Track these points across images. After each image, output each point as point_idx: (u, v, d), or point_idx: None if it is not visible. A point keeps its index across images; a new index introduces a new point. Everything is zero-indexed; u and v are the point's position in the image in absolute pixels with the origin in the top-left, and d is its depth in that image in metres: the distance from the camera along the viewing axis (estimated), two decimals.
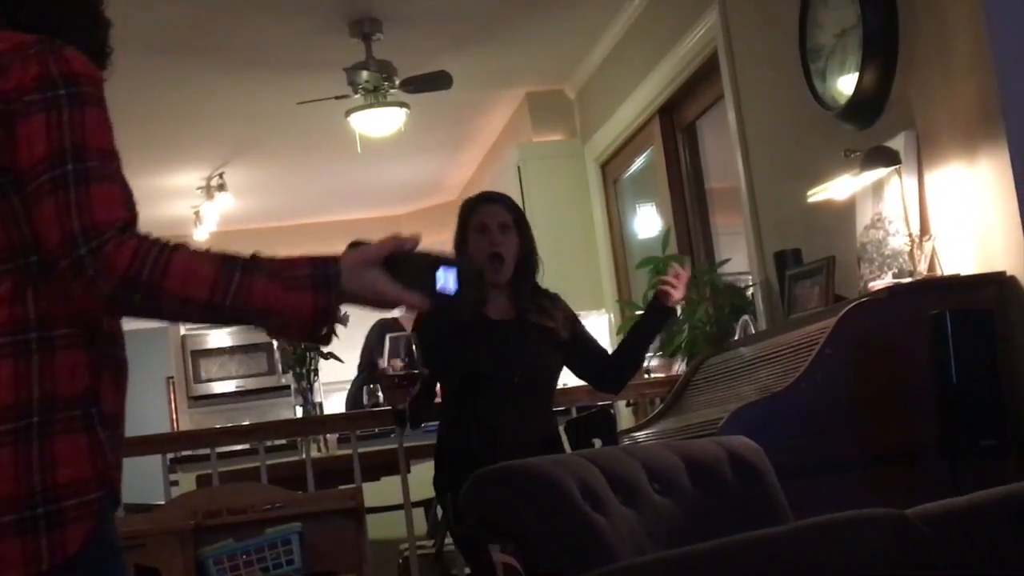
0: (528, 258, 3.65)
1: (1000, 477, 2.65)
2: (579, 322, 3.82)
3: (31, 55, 1.52)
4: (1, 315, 1.51)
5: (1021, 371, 3.18)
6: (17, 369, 1.51)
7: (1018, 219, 3.15)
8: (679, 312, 4.69)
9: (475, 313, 3.53)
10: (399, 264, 1.65)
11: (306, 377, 5.64)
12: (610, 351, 4.18)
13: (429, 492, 4.15)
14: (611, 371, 3.82)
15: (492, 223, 3.59)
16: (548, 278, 6.71)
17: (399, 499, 4.51)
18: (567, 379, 7.89)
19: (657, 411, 4.21)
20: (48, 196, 1.48)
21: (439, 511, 3.98)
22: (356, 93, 5.99)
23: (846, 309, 3.25)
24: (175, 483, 5.21)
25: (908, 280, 3.39)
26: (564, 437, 4.17)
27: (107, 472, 1.58)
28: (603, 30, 6.18)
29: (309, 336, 1.57)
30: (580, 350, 3.75)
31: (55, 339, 1.54)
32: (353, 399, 6.36)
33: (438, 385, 3.65)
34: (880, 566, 1.84)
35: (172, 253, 1.51)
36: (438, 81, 5.91)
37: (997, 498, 2.37)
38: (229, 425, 6.75)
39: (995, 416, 3.03)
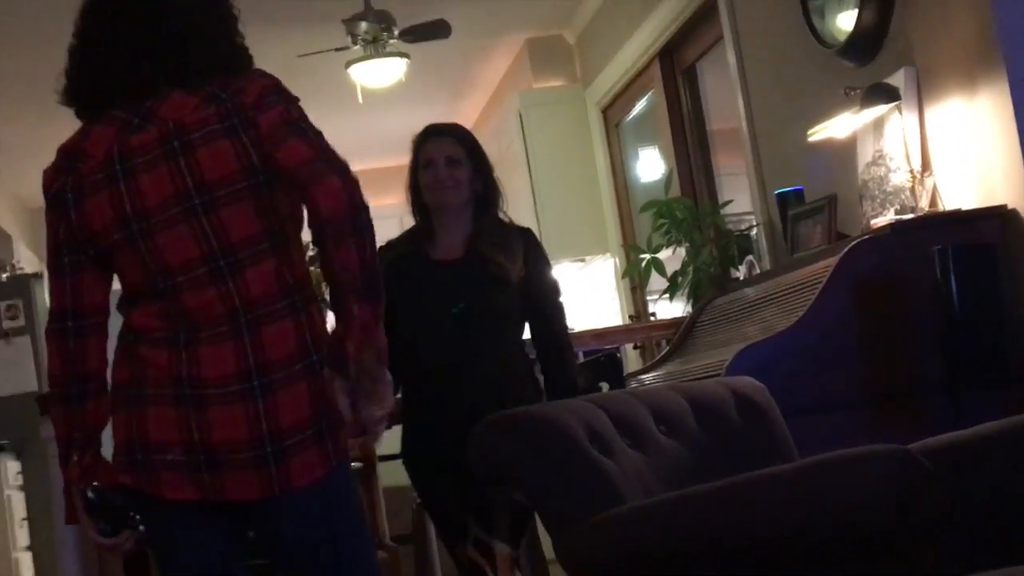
0: (485, 193, 3.30)
1: (1003, 410, 2.67)
2: (543, 269, 3.35)
3: (272, 99, 2.08)
4: (273, 287, 2.03)
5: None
6: (296, 323, 2.04)
7: (1019, 152, 3.15)
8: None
9: (418, 257, 3.26)
10: None
11: None
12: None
13: None
14: (543, 350, 3.33)
15: (439, 158, 3.25)
16: (553, 223, 6.75)
17: None
18: (573, 322, 7.86)
19: (663, 353, 4.23)
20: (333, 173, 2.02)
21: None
22: (356, 44, 5.96)
23: (849, 247, 3.26)
24: None
25: (910, 216, 3.39)
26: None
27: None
28: None
29: None
30: (528, 305, 3.29)
31: (307, 299, 2.08)
32: None
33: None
34: (885, 501, 1.86)
35: None
36: (437, 30, 5.88)
37: (999, 431, 2.40)
38: None
39: (998, 349, 3.05)
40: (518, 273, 3.25)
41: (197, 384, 2.00)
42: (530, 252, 3.32)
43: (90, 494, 2.09)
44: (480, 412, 2.51)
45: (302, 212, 2.11)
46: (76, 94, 2.14)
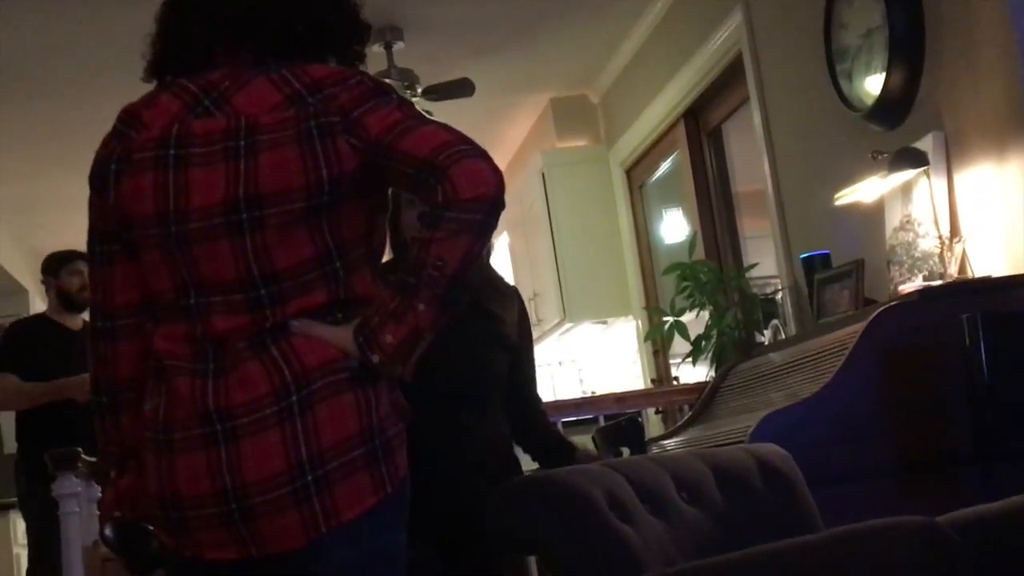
0: None
1: None
2: (530, 336, 3.12)
3: (378, 100, 1.89)
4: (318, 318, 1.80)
5: None
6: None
7: None
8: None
9: None
10: None
11: None
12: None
13: None
14: (518, 414, 3.03)
15: None
16: (575, 284, 6.72)
17: None
18: (594, 386, 7.76)
19: (686, 419, 4.18)
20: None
21: None
22: None
23: (876, 313, 3.22)
24: None
25: (939, 282, 3.36)
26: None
27: (403, 405, 1.88)
28: (626, 34, 6.17)
29: None
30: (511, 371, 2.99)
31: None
32: None
33: None
34: (911, 575, 1.81)
35: None
36: (460, 89, 5.91)
37: None
38: None
39: None
40: (515, 336, 3.00)
41: (227, 416, 1.76)
42: (523, 315, 3.07)
43: (107, 531, 1.88)
44: (482, 484, 2.44)
45: (381, 235, 1.92)
46: (153, 57, 1.94)
